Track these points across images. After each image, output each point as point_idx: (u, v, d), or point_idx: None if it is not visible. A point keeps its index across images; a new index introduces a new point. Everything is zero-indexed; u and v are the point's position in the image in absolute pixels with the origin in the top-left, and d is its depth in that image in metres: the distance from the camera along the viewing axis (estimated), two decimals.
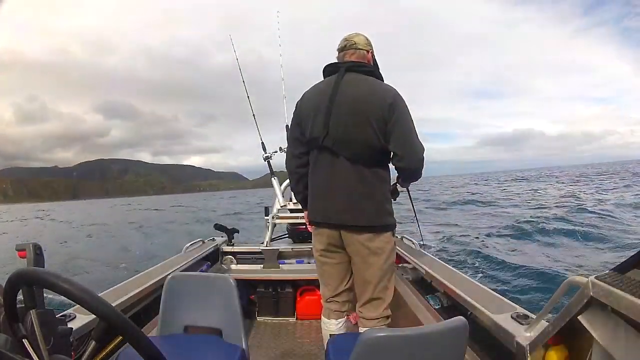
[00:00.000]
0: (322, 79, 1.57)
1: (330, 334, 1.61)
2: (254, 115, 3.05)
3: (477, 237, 8.59)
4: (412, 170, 1.50)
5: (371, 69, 1.52)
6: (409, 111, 1.45)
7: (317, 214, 1.55)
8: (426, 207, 16.63)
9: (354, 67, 1.50)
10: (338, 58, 1.59)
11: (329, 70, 1.55)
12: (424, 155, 1.46)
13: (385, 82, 1.53)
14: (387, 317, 1.55)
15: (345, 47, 1.56)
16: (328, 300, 1.66)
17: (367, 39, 1.58)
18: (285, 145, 2.94)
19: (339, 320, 1.64)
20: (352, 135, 1.43)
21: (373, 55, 1.60)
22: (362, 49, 1.55)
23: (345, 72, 1.49)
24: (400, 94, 1.45)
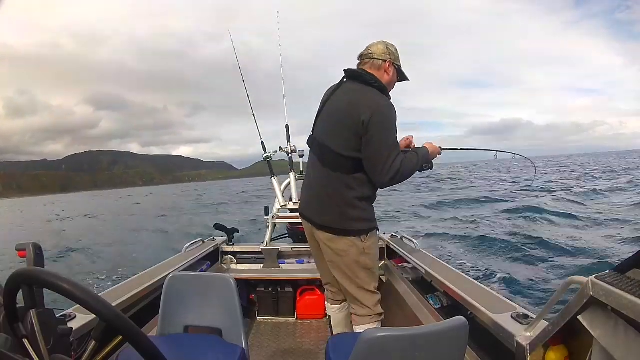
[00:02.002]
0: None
1: (330, 314, 1.79)
2: (253, 114, 3.01)
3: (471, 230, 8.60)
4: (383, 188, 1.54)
5: (368, 80, 1.48)
6: (387, 128, 1.41)
7: (300, 205, 1.71)
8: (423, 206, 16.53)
9: (352, 76, 1.54)
10: (357, 65, 1.60)
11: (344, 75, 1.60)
12: (394, 178, 1.42)
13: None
14: (380, 314, 1.62)
15: (363, 56, 1.57)
16: (325, 286, 1.80)
17: (388, 48, 1.55)
18: (284, 144, 2.93)
19: (334, 306, 1.77)
20: (327, 143, 1.51)
21: (394, 65, 1.56)
22: (377, 59, 1.53)
23: (345, 81, 1.56)
24: (385, 109, 1.42)
